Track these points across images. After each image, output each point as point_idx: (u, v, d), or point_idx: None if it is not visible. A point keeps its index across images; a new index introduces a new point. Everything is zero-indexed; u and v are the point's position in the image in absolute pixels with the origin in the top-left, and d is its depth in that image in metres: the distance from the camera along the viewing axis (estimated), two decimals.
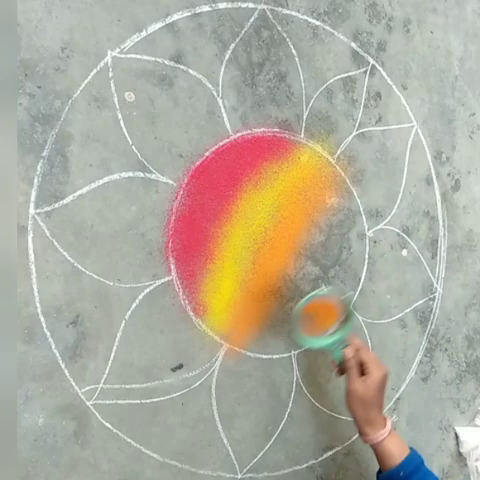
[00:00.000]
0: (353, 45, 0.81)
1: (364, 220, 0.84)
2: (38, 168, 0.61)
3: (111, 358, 0.66)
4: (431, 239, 0.92)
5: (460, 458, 0.99)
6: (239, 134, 0.73)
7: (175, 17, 0.67)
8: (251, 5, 0.72)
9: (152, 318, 0.68)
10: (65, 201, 0.62)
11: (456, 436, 0.98)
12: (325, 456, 0.83)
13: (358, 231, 0.84)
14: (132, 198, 0.66)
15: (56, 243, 0.62)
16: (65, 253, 0.62)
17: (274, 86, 0.75)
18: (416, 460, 0.65)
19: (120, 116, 0.65)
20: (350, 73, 0.81)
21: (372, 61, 0.83)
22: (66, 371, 0.63)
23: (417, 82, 0.88)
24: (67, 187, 0.62)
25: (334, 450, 0.84)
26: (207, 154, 0.70)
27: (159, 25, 0.66)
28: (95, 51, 0.63)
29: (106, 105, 0.64)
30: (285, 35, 0.75)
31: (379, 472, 0.68)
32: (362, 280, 0.85)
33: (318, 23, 0.78)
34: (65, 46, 0.61)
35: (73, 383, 0.64)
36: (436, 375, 0.95)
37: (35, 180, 0.61)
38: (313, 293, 0.71)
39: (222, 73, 0.71)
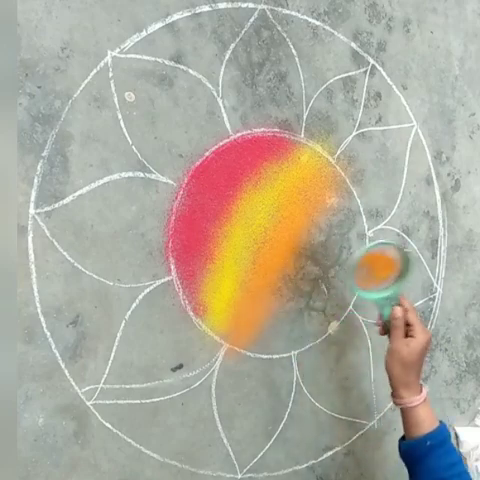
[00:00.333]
0: (353, 45, 0.81)
1: (364, 220, 0.84)
2: (38, 168, 0.61)
3: (111, 358, 0.66)
4: (431, 239, 0.92)
5: None
6: (239, 134, 0.73)
7: (175, 17, 0.67)
8: (251, 5, 0.72)
9: (152, 318, 0.68)
10: (65, 201, 0.62)
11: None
12: (325, 456, 0.83)
13: (358, 231, 0.84)
14: (132, 198, 0.66)
15: (56, 243, 0.62)
16: (65, 253, 0.62)
17: (274, 86, 0.75)
18: (445, 433, 0.64)
19: (120, 116, 0.65)
20: (350, 73, 0.81)
21: (372, 61, 0.83)
22: (66, 371, 0.63)
23: (417, 82, 0.88)
24: (67, 187, 0.62)
25: (334, 450, 0.84)
26: (207, 154, 0.70)
27: (159, 25, 0.66)
28: (95, 51, 0.63)
29: (106, 105, 0.64)
30: (285, 35, 0.75)
31: (402, 439, 0.67)
32: None
33: (318, 23, 0.78)
34: (65, 46, 0.61)
35: (73, 383, 0.63)
36: (436, 375, 0.94)
37: (35, 180, 0.60)
38: (373, 243, 0.67)
39: (222, 73, 0.71)
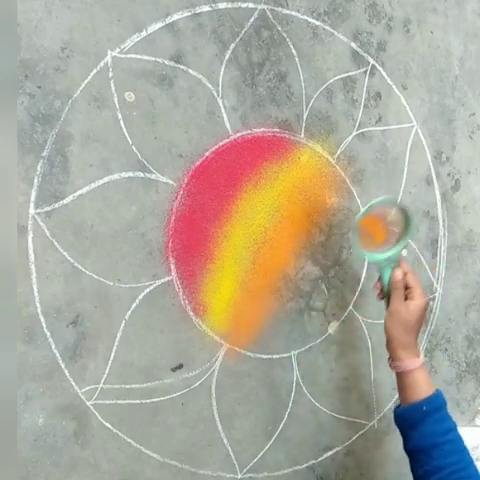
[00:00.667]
0: (353, 45, 0.81)
1: None
2: (38, 168, 0.61)
3: (111, 358, 0.66)
4: (431, 239, 0.92)
5: None
6: (239, 134, 0.73)
7: (175, 17, 0.67)
8: (251, 5, 0.72)
9: (152, 318, 0.68)
10: (65, 201, 0.62)
11: None
12: (325, 456, 0.83)
13: None
14: (132, 198, 0.66)
15: (56, 243, 0.62)
16: (65, 253, 0.62)
17: (274, 86, 0.75)
18: (441, 400, 0.64)
19: (120, 116, 0.65)
20: (350, 73, 0.81)
21: (372, 61, 0.83)
22: (66, 371, 0.63)
23: (417, 82, 0.88)
24: (67, 187, 0.62)
25: (334, 450, 0.84)
26: (207, 154, 0.70)
27: (159, 25, 0.66)
28: (95, 51, 0.63)
29: (106, 105, 0.64)
30: (285, 35, 0.75)
31: (398, 407, 0.66)
32: (362, 280, 0.85)
33: (318, 23, 0.78)
34: (65, 46, 0.61)
35: (73, 383, 0.63)
36: (436, 375, 0.95)
37: (35, 180, 0.60)
38: (374, 201, 0.66)
39: (222, 73, 0.71)
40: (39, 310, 0.61)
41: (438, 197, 0.92)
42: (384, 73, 0.84)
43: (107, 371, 0.65)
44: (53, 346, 0.62)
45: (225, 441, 0.74)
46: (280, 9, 0.74)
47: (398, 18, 0.85)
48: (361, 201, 0.83)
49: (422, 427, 0.62)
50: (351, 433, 0.85)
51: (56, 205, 0.62)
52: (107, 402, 0.66)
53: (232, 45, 0.71)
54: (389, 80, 0.85)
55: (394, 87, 0.86)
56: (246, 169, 0.74)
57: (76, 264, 0.63)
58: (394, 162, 0.86)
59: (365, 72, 0.82)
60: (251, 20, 0.72)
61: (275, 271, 0.77)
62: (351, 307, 0.84)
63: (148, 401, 0.68)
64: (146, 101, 0.66)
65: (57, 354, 0.62)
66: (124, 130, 0.65)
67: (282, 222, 0.77)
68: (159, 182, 0.68)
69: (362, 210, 0.67)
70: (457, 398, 0.98)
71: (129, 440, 0.67)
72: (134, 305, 0.67)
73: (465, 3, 0.93)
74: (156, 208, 0.68)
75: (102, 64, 0.63)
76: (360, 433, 0.87)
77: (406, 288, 0.67)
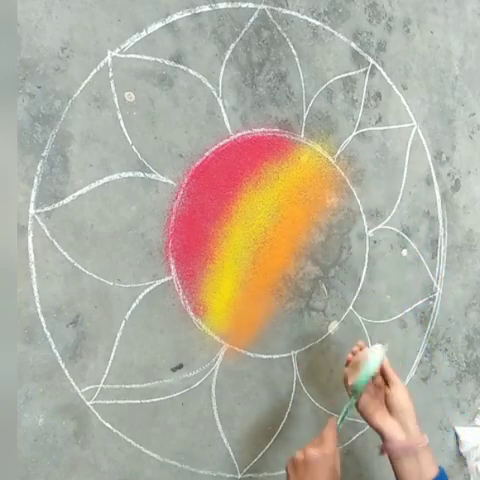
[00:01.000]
0: (353, 45, 0.81)
1: (364, 220, 0.84)
2: (38, 168, 0.61)
3: (111, 358, 0.66)
4: (431, 239, 0.92)
5: (460, 458, 0.99)
6: (239, 134, 0.73)
7: (175, 17, 0.67)
8: (251, 5, 0.72)
9: (152, 318, 0.68)
10: (65, 201, 0.62)
11: (456, 436, 0.98)
12: None
13: (358, 231, 0.84)
14: (132, 198, 0.66)
15: (56, 243, 0.62)
16: (65, 253, 0.62)
17: (274, 86, 0.75)
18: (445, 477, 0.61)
19: (120, 116, 0.65)
20: (350, 73, 0.81)
21: (372, 61, 0.83)
22: (66, 371, 0.63)
23: (417, 82, 0.88)
24: (67, 187, 0.62)
25: None
26: (207, 154, 0.70)
27: (159, 25, 0.66)
28: (95, 51, 0.63)
29: (106, 105, 0.64)
30: (285, 35, 0.75)
31: None
32: (362, 280, 0.85)
33: (318, 23, 0.78)
34: (65, 46, 0.61)
35: (73, 383, 0.63)
36: (436, 375, 0.94)
37: (35, 180, 0.60)
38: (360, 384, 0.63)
39: (222, 73, 0.71)
40: (39, 310, 0.61)
41: (438, 197, 0.92)
42: (384, 73, 0.84)
43: (107, 371, 0.65)
44: (53, 346, 0.62)
45: (225, 441, 0.74)
46: (280, 9, 0.74)
47: (398, 18, 0.85)
48: (361, 201, 0.83)
49: None
50: (351, 433, 0.85)
51: (56, 205, 0.62)
52: (107, 402, 0.66)
53: (232, 45, 0.71)
54: (389, 80, 0.85)
55: (394, 87, 0.86)
56: (246, 169, 0.74)
57: (76, 264, 0.63)
58: (394, 162, 0.86)
59: (365, 72, 0.82)
60: (251, 20, 0.72)
61: (275, 271, 0.77)
62: (351, 307, 0.84)
63: (148, 401, 0.68)
64: (146, 101, 0.66)
65: (57, 354, 0.62)
66: (124, 130, 0.65)
67: (282, 222, 0.77)
68: (159, 182, 0.68)
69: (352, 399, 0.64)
70: (457, 398, 0.98)
71: (129, 440, 0.67)
72: (134, 305, 0.67)
73: (465, 3, 0.93)
74: (156, 208, 0.68)
75: (102, 64, 0.63)
76: (360, 433, 0.86)
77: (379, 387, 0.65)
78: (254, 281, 0.75)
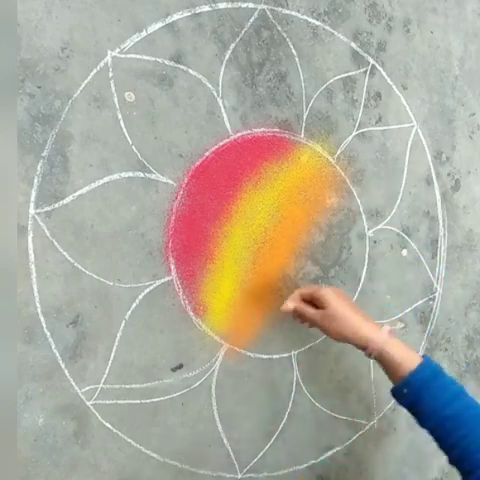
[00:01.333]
0: (353, 45, 0.81)
1: (364, 220, 0.84)
2: (38, 168, 0.61)
3: (111, 358, 0.66)
4: (431, 239, 0.92)
5: None
6: (239, 134, 0.73)
7: (175, 17, 0.67)
8: (251, 5, 0.72)
9: (152, 318, 0.68)
10: (65, 201, 0.62)
11: None
12: (325, 456, 0.83)
13: (358, 231, 0.84)
14: (132, 198, 0.66)
15: (56, 243, 0.62)
16: (65, 253, 0.62)
17: (274, 86, 0.75)
18: (426, 371, 0.58)
19: (120, 116, 0.65)
20: (350, 73, 0.81)
21: (372, 61, 0.83)
22: (66, 371, 0.63)
23: (417, 82, 0.88)
24: (67, 187, 0.62)
25: (334, 450, 0.84)
26: (207, 154, 0.70)
27: (159, 25, 0.66)
28: (95, 51, 0.63)
29: (106, 105, 0.64)
30: (285, 35, 0.75)
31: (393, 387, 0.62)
32: (362, 280, 0.85)
33: (318, 23, 0.78)
34: (65, 46, 0.61)
35: (73, 383, 0.64)
36: None
37: (35, 180, 0.60)
38: None
39: (222, 73, 0.71)
40: (39, 310, 0.61)
41: (438, 197, 0.92)
42: (384, 73, 0.84)
43: (107, 371, 0.65)
44: (53, 346, 0.62)
45: (225, 441, 0.74)
46: (280, 9, 0.74)
47: (398, 18, 0.85)
48: (361, 201, 0.83)
49: (416, 409, 0.58)
50: (351, 433, 0.85)
51: (56, 205, 0.62)
52: (107, 402, 0.66)
53: (232, 45, 0.71)
54: (389, 80, 0.85)
55: (394, 87, 0.86)
56: (246, 169, 0.74)
57: (76, 264, 0.63)
58: (394, 162, 0.86)
59: (365, 72, 0.82)
60: (251, 20, 0.72)
61: (275, 271, 0.77)
62: None
63: (148, 401, 0.68)
64: (146, 101, 0.66)
65: (57, 354, 0.62)
66: (124, 130, 0.65)
67: (282, 222, 0.77)
68: (159, 182, 0.68)
69: None
70: None
71: (129, 440, 0.67)
72: (134, 305, 0.67)
73: (465, 3, 0.93)
74: (156, 208, 0.68)
75: (102, 64, 0.63)
76: (360, 433, 0.87)
77: (314, 302, 0.66)
78: (254, 281, 0.75)
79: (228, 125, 0.72)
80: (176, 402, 0.70)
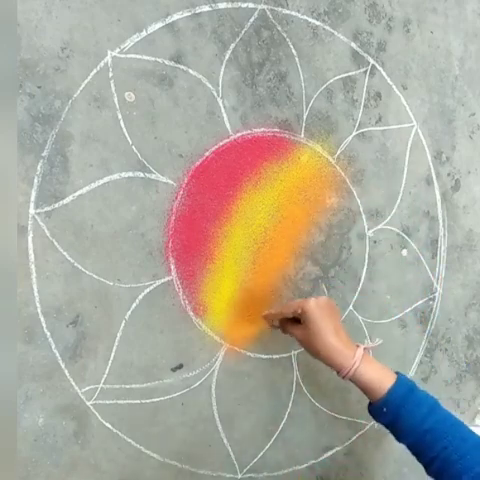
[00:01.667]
0: (353, 45, 0.81)
1: (364, 220, 0.84)
2: (38, 168, 0.61)
3: (111, 358, 0.66)
4: (431, 239, 0.92)
5: None
6: (239, 134, 0.73)
7: (175, 17, 0.67)
8: (251, 5, 0.72)
9: (152, 318, 0.68)
10: (65, 201, 0.62)
11: None
12: (325, 456, 0.83)
13: (358, 231, 0.84)
14: (132, 198, 0.66)
15: (56, 243, 0.62)
16: (65, 253, 0.62)
17: (274, 86, 0.75)
18: (401, 390, 0.59)
19: (120, 116, 0.65)
20: (350, 73, 0.81)
21: (372, 61, 0.83)
22: (66, 371, 0.63)
23: (417, 82, 0.88)
24: (67, 187, 0.62)
25: (334, 450, 0.84)
26: (207, 154, 0.70)
27: (159, 25, 0.66)
28: (95, 51, 0.63)
29: (106, 105, 0.64)
30: (285, 35, 0.75)
31: (370, 404, 0.63)
32: (362, 280, 0.85)
33: (318, 23, 0.78)
34: (65, 46, 0.61)
35: (73, 383, 0.64)
36: (436, 375, 0.94)
37: (35, 180, 0.61)
38: None
39: (222, 73, 0.71)
40: (39, 310, 0.61)
41: (438, 197, 0.92)
42: (384, 73, 0.84)
43: (107, 371, 0.65)
44: (53, 346, 0.62)
45: (225, 441, 0.74)
46: (280, 9, 0.74)
47: (398, 18, 0.85)
48: (361, 201, 0.83)
49: (395, 426, 0.59)
50: (351, 433, 0.85)
51: (56, 205, 0.62)
52: (107, 402, 0.66)
53: (232, 45, 0.71)
54: (389, 80, 0.85)
55: (394, 87, 0.86)
56: (246, 169, 0.74)
57: (76, 264, 0.63)
58: (394, 162, 0.86)
59: (365, 72, 0.82)
60: (251, 20, 0.72)
61: (275, 271, 0.77)
62: (351, 307, 0.84)
63: (148, 401, 0.68)
64: (146, 101, 0.66)
65: (57, 354, 0.62)
66: (124, 130, 0.65)
67: (282, 222, 0.77)
68: (159, 182, 0.68)
69: None
70: (457, 398, 0.98)
71: (129, 440, 0.67)
72: (134, 305, 0.67)
73: (465, 3, 0.93)
74: (156, 208, 0.68)
75: (102, 64, 0.63)
76: (360, 433, 0.87)
77: (295, 314, 0.66)
78: (254, 281, 0.75)
79: (228, 125, 0.72)
80: (176, 402, 0.70)
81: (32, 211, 0.61)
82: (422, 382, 0.92)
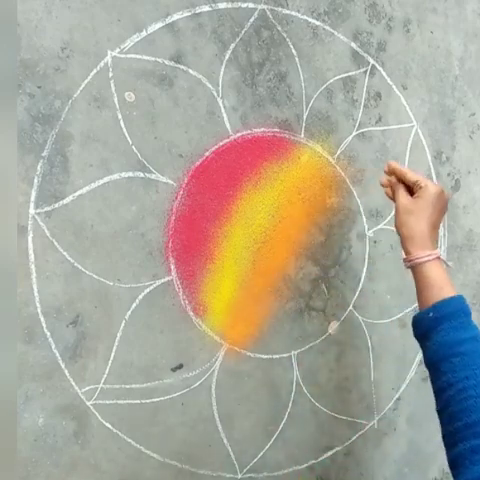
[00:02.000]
0: (353, 45, 0.81)
1: (364, 220, 0.84)
2: (38, 168, 0.61)
3: (111, 358, 0.66)
4: None
5: None
6: (239, 134, 0.73)
7: (175, 17, 0.67)
8: (251, 5, 0.72)
9: (152, 318, 0.68)
10: (65, 201, 0.62)
11: None
12: (325, 456, 0.83)
13: (358, 231, 0.84)
14: (132, 198, 0.66)
15: (56, 243, 0.62)
16: (65, 253, 0.62)
17: (274, 86, 0.75)
18: (454, 306, 0.56)
19: (120, 116, 0.65)
20: (350, 73, 0.81)
21: (372, 61, 0.83)
22: (66, 371, 0.63)
23: (417, 82, 0.88)
24: (67, 187, 0.62)
25: (334, 450, 0.84)
26: (207, 154, 0.70)
27: (159, 25, 0.66)
28: (95, 51, 0.63)
29: (106, 105, 0.64)
30: (285, 35, 0.75)
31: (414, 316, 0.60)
32: (362, 280, 0.85)
33: (318, 23, 0.78)
34: (65, 46, 0.61)
35: (73, 383, 0.64)
36: None
37: (35, 180, 0.61)
38: None
39: (222, 73, 0.71)
40: (39, 310, 0.61)
41: None
42: (384, 73, 0.84)
43: (107, 371, 0.65)
44: (53, 346, 0.62)
45: (225, 441, 0.74)
46: (280, 9, 0.74)
47: (398, 18, 0.85)
48: (361, 201, 0.83)
49: (432, 337, 0.56)
50: (351, 433, 0.85)
51: (56, 205, 0.62)
52: (107, 402, 0.66)
53: (232, 45, 0.71)
54: (389, 80, 0.85)
55: (394, 87, 0.86)
56: (246, 169, 0.74)
57: (76, 264, 0.63)
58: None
59: (365, 72, 0.82)
60: (251, 20, 0.72)
61: (275, 271, 0.77)
62: (351, 307, 0.84)
63: (148, 401, 0.68)
64: (146, 101, 0.66)
65: (57, 354, 0.62)
66: (124, 130, 0.65)
67: (282, 222, 0.77)
68: (159, 182, 0.68)
69: None
70: None
71: (129, 440, 0.67)
72: (134, 305, 0.67)
73: (465, 3, 0.93)
74: (156, 208, 0.68)
75: (102, 64, 0.63)
76: (360, 433, 0.87)
77: (412, 186, 0.63)
78: (254, 281, 0.75)
79: (228, 125, 0.72)
80: (176, 402, 0.70)
81: (32, 211, 0.61)
82: (422, 382, 0.92)
